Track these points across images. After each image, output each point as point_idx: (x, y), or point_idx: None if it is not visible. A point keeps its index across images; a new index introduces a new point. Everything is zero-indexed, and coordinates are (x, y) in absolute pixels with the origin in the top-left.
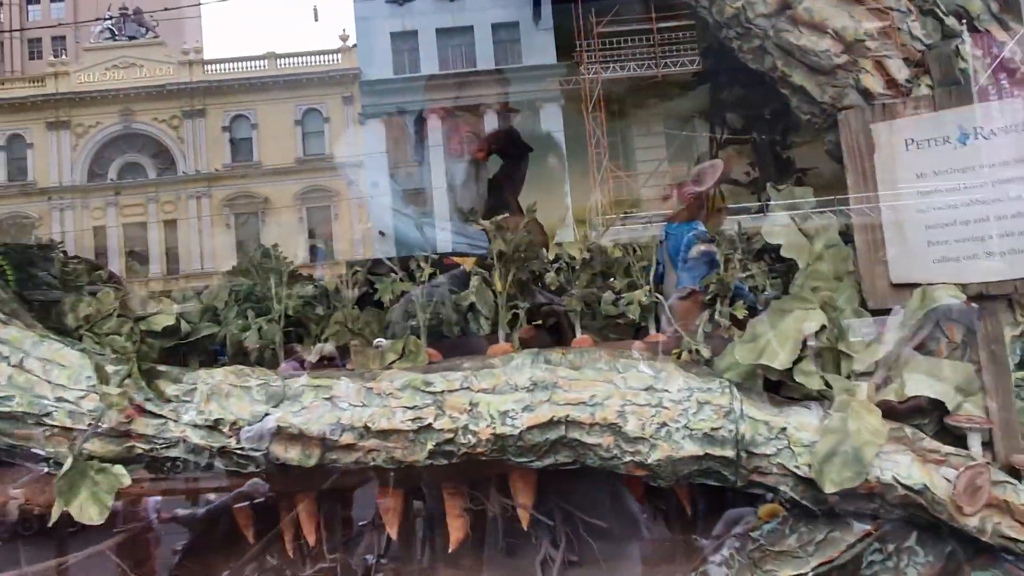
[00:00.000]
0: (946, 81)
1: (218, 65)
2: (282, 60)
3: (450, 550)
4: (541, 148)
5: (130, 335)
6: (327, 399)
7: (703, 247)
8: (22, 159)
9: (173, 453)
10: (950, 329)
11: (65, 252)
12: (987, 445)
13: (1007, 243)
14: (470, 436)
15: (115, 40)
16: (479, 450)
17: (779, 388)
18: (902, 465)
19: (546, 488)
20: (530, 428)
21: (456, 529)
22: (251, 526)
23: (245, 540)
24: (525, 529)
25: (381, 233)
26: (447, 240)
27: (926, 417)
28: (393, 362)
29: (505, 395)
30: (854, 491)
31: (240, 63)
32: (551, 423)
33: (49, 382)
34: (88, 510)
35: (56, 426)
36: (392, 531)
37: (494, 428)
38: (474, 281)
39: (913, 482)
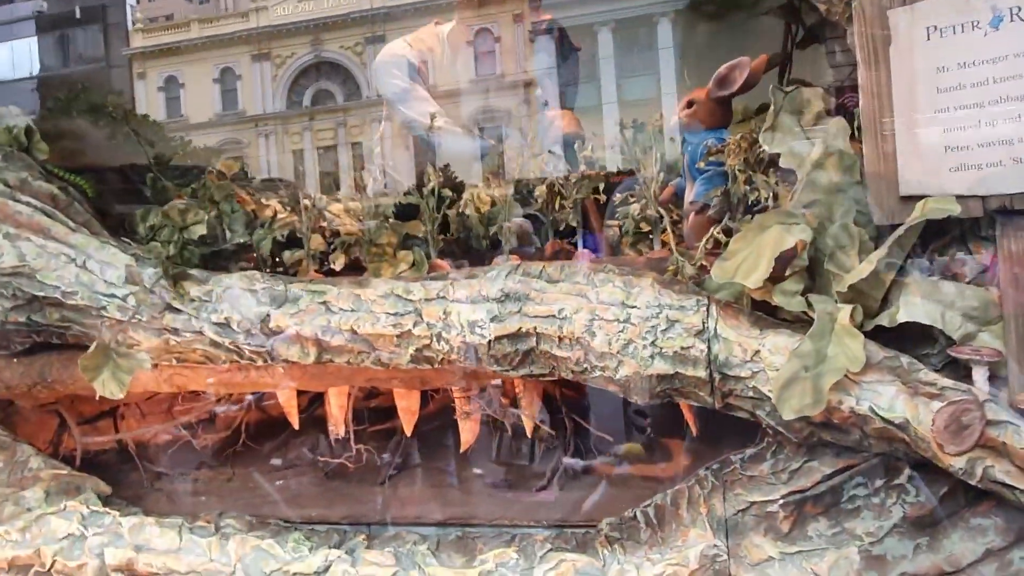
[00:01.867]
0: None
1: None
2: None
3: (461, 451)
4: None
5: (176, 243)
6: (321, 303)
7: (712, 157)
8: (233, 90)
9: (198, 345)
10: (976, 247)
11: (246, 172)
12: (1004, 380)
13: None
14: (444, 343)
15: None
16: (453, 357)
17: (776, 310)
18: (884, 396)
19: (558, 399)
20: (499, 338)
21: (465, 431)
22: (295, 413)
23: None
24: (530, 437)
25: (551, 152)
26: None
27: (935, 347)
28: (404, 271)
29: (476, 305)
30: (829, 421)
31: None
32: (519, 334)
33: (105, 281)
34: (109, 386)
35: (110, 318)
36: (408, 430)
37: (464, 337)
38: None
39: (894, 415)
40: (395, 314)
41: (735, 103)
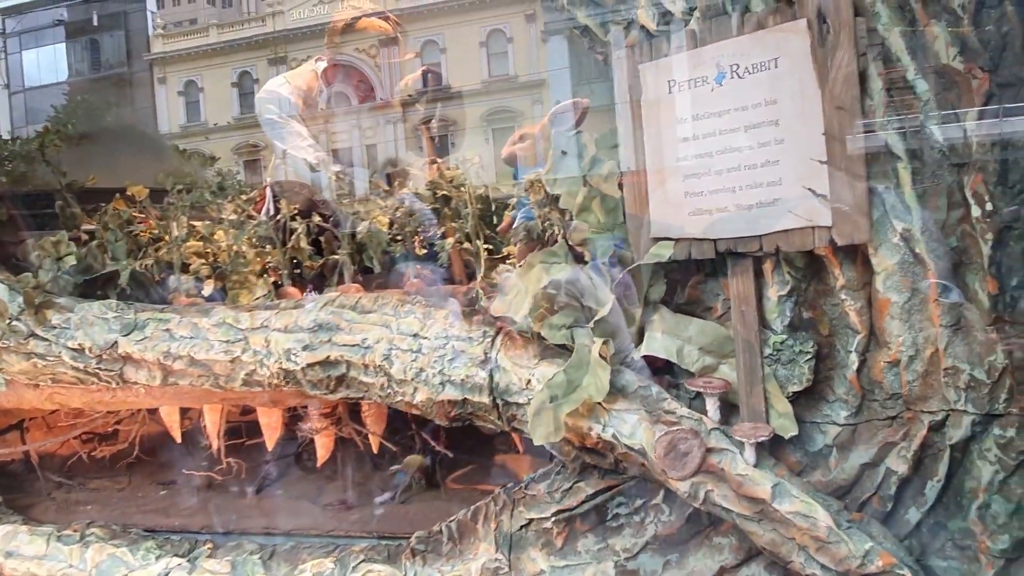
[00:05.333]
0: (711, 11)
1: None
2: None
3: (318, 466)
4: None
5: (53, 272)
6: (165, 330)
7: (524, 193)
8: (250, 94)
9: (60, 368)
10: (725, 286)
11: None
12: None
13: (755, 195)
14: (265, 369)
15: None
16: (276, 382)
17: None
18: (628, 424)
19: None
20: (311, 365)
21: (320, 447)
22: (176, 428)
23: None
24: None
25: (563, 152)
26: None
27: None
28: (260, 297)
29: (291, 334)
30: (584, 445)
31: None
32: (329, 362)
33: None
34: None
35: None
36: (270, 445)
37: (281, 364)
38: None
39: (634, 442)
40: (227, 341)
41: None
